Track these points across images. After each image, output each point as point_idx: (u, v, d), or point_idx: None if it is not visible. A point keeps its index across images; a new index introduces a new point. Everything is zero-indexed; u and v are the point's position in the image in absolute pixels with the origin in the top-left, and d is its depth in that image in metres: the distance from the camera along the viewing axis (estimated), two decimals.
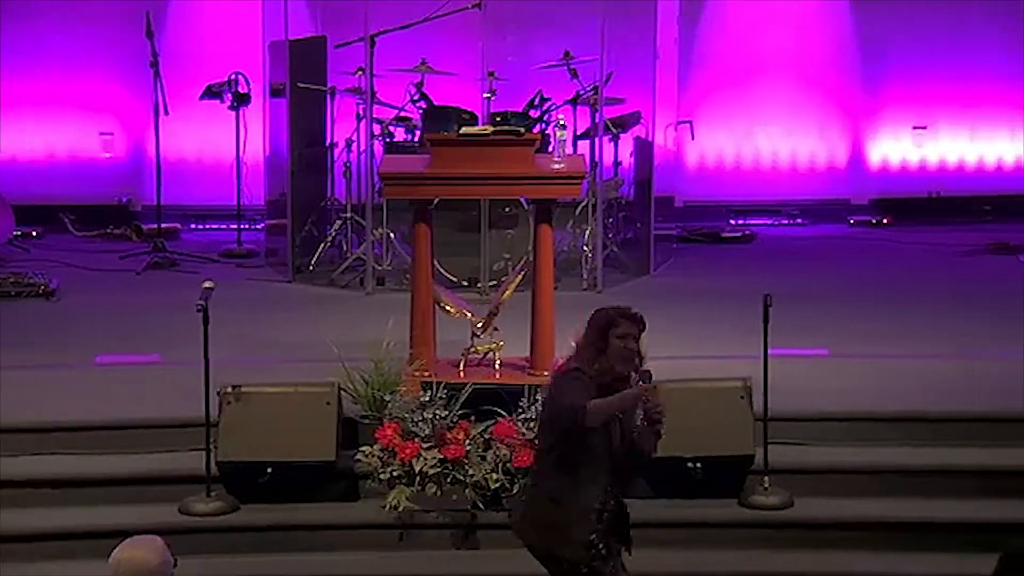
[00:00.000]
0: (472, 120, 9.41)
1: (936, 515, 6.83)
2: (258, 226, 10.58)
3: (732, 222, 11.05)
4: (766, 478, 6.94)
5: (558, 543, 5.39)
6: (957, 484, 6.94)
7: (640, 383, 5.38)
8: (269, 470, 6.92)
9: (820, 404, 7.35)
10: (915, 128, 11.09)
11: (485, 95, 9.79)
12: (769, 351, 6.97)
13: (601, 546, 5.40)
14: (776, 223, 11.07)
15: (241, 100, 10.31)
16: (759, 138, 11.24)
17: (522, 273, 7.65)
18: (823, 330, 8.45)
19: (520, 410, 6.99)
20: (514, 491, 6.82)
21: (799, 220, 11.09)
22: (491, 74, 9.90)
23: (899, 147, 11.16)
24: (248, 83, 10.33)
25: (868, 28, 11.02)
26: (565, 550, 5.39)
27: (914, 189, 11.12)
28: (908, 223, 10.89)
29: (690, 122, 10.77)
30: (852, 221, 11.03)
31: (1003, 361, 7.78)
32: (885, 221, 10.97)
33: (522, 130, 7.79)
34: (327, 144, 10.19)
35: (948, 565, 6.58)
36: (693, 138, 10.85)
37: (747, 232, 10.84)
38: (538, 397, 6.92)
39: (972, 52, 10.93)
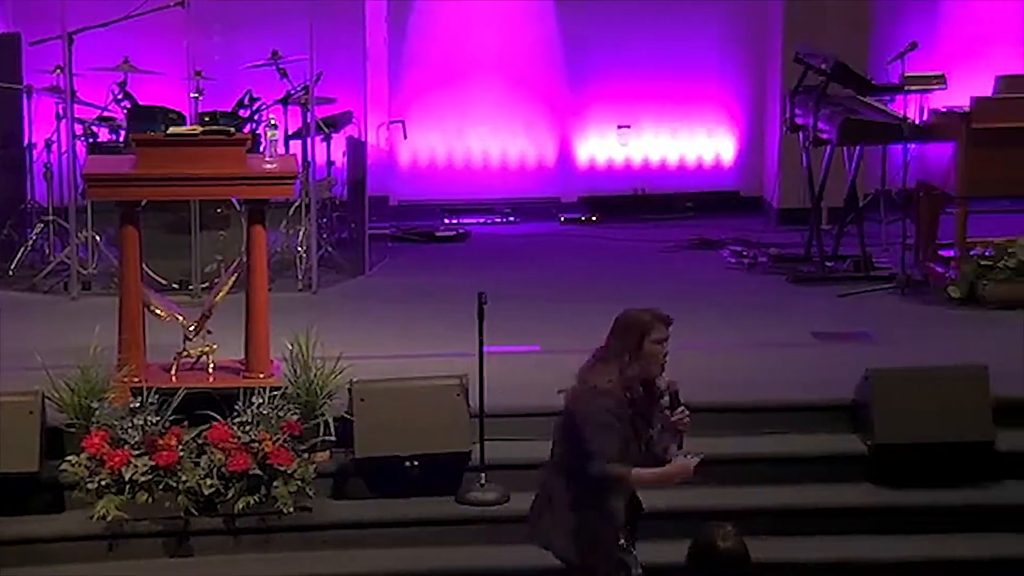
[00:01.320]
0: (180, 120, 9.25)
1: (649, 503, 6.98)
2: None
3: (445, 221, 11.13)
4: (483, 475, 7.00)
5: (590, 552, 5.32)
6: None
7: (668, 391, 5.32)
8: None
9: (534, 400, 7.44)
10: (620, 127, 11.38)
11: (192, 95, 9.62)
12: (484, 348, 7.03)
13: (628, 548, 5.39)
14: (489, 221, 11.20)
15: None
16: (470, 138, 11.36)
17: (235, 275, 7.54)
18: (536, 327, 8.58)
19: (235, 413, 6.88)
20: (228, 496, 6.73)
21: (511, 218, 11.25)
22: (198, 73, 9.73)
23: (605, 145, 11.44)
24: None
25: (572, 28, 11.25)
26: (597, 559, 5.32)
27: (620, 187, 11.41)
28: (615, 220, 11.16)
29: (402, 122, 10.80)
30: (562, 219, 11.25)
31: (705, 353, 8.04)
32: (594, 218, 11.22)
33: (232, 130, 7.68)
34: (24, 145, 9.83)
35: (653, 553, 6.75)
36: (406, 138, 10.89)
37: (460, 231, 10.93)
38: (256, 400, 6.84)
39: (674, 51, 11.27)
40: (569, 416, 5.44)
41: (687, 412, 5.36)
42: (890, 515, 7.01)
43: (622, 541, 5.40)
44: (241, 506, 6.73)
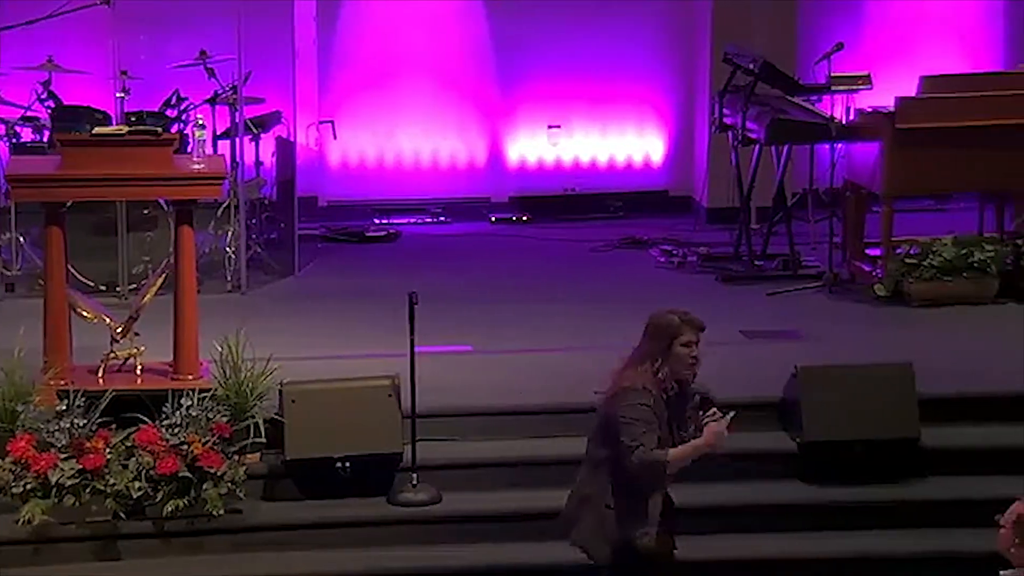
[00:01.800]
0: (105, 120, 9.17)
1: None
2: None
3: (376, 221, 11.11)
4: (415, 475, 6.99)
5: (622, 552, 5.34)
6: None
7: (700, 395, 5.45)
8: None
9: (466, 400, 7.46)
10: (550, 127, 11.41)
11: (118, 94, 9.54)
12: (415, 349, 7.02)
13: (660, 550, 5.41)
14: (420, 221, 11.19)
15: None
16: (401, 138, 11.34)
17: (163, 276, 7.49)
18: (467, 327, 8.58)
19: (164, 416, 6.83)
20: (157, 499, 6.68)
21: (442, 218, 11.24)
22: (124, 73, 9.65)
23: (535, 145, 11.46)
24: None
25: (503, 29, 11.26)
26: (628, 559, 5.34)
27: (551, 186, 11.43)
28: (546, 220, 11.18)
29: (332, 122, 10.77)
30: (493, 219, 11.26)
31: None
32: (525, 218, 11.23)
33: (159, 130, 7.64)
34: None
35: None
36: (335, 138, 10.86)
37: (391, 231, 10.91)
38: (184, 402, 6.80)
39: (604, 52, 11.31)
40: (605, 419, 5.53)
41: (718, 414, 5.44)
42: (818, 512, 7.07)
43: (649, 539, 5.43)
44: (170, 509, 6.69)
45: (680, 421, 5.55)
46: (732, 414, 5.46)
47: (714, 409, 5.49)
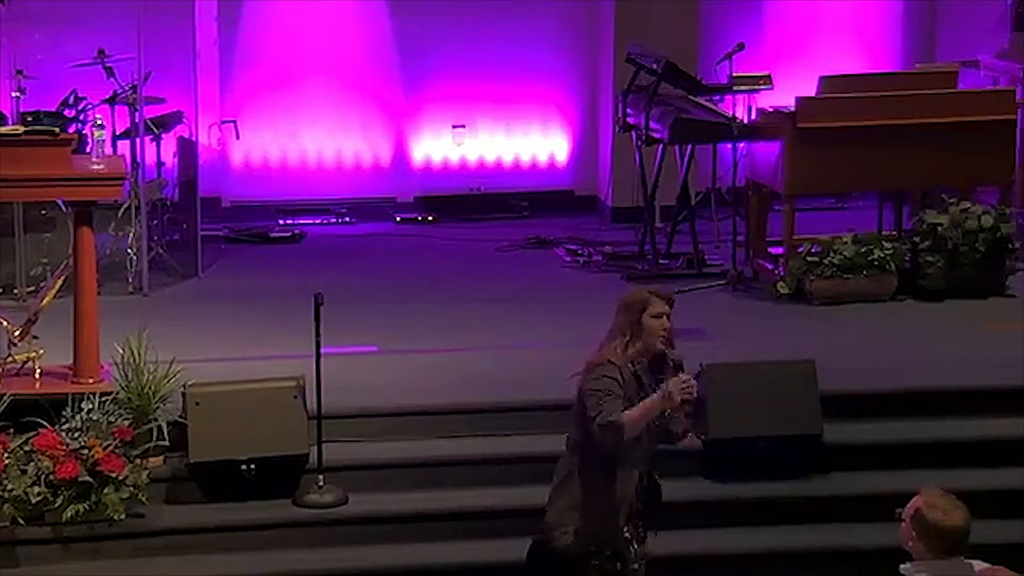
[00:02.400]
0: (1, 120, 9.01)
1: (482, 504, 7.02)
2: None
3: (280, 222, 11.03)
4: (321, 476, 6.96)
5: (585, 536, 5.28)
6: (501, 472, 7.14)
7: (673, 362, 5.33)
8: None
9: (372, 400, 7.43)
10: (455, 127, 11.40)
11: (14, 94, 9.38)
12: (321, 350, 6.98)
13: (628, 536, 5.34)
14: (324, 222, 11.12)
15: None
16: (304, 138, 11.27)
17: (62, 278, 7.39)
18: (373, 327, 8.55)
19: (64, 420, 6.73)
20: (57, 504, 6.59)
21: (347, 219, 11.19)
22: (19, 72, 9.50)
23: (440, 145, 11.44)
24: None
25: (406, 29, 11.23)
26: (595, 545, 5.28)
27: (456, 186, 11.42)
28: (452, 219, 11.17)
29: (234, 121, 10.67)
30: (399, 219, 11.22)
31: (539, 351, 8.09)
32: (430, 218, 11.21)
33: (57, 130, 7.52)
34: None
35: (495, 552, 6.77)
36: (238, 138, 10.77)
37: (296, 232, 10.84)
38: (85, 406, 6.71)
39: (508, 52, 11.32)
40: (576, 398, 5.49)
41: (690, 380, 5.32)
42: (723, 508, 7.13)
43: (625, 530, 5.40)
44: (70, 514, 6.60)
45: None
46: (697, 373, 5.45)
47: (685, 375, 5.38)
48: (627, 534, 5.43)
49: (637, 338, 5.42)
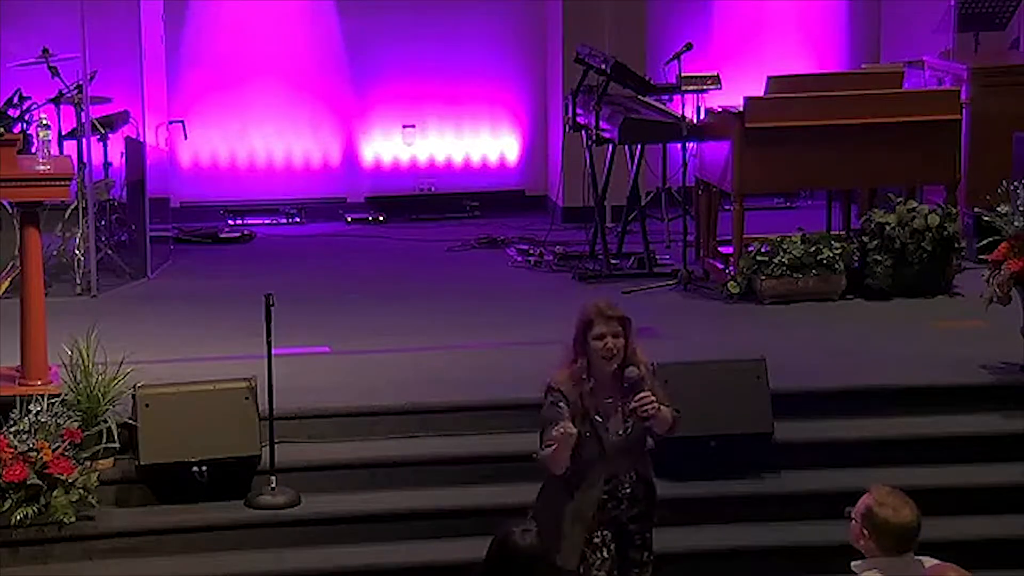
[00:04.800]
0: None
1: (435, 504, 7.01)
2: None
3: (230, 222, 10.98)
4: (273, 478, 6.93)
5: (551, 540, 5.21)
6: (453, 473, 7.14)
7: (627, 382, 5.25)
8: None
9: (324, 401, 7.42)
10: (405, 127, 11.39)
11: None
12: (273, 350, 6.96)
13: (599, 542, 5.31)
14: (274, 222, 11.09)
15: None
16: (254, 138, 11.23)
17: (9, 279, 7.32)
18: (324, 328, 8.53)
19: (12, 422, 6.68)
20: (5, 507, 6.52)
21: (297, 219, 11.15)
22: None
23: (390, 145, 11.42)
24: None
25: (355, 29, 11.21)
26: (555, 547, 5.24)
27: (406, 186, 11.41)
28: (402, 220, 11.16)
29: (182, 122, 10.61)
30: (349, 219, 11.20)
31: (491, 351, 8.10)
32: (380, 218, 11.20)
33: (1, 130, 7.47)
34: None
35: (449, 552, 6.77)
36: (186, 138, 10.71)
37: (245, 232, 10.80)
38: (33, 408, 6.68)
39: (458, 52, 11.32)
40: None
41: (647, 397, 5.28)
42: (674, 506, 7.13)
43: (596, 537, 5.38)
44: (18, 517, 6.54)
45: (622, 411, 5.42)
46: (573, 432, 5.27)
47: (642, 393, 5.33)
48: (596, 540, 5.40)
49: (584, 358, 5.35)
